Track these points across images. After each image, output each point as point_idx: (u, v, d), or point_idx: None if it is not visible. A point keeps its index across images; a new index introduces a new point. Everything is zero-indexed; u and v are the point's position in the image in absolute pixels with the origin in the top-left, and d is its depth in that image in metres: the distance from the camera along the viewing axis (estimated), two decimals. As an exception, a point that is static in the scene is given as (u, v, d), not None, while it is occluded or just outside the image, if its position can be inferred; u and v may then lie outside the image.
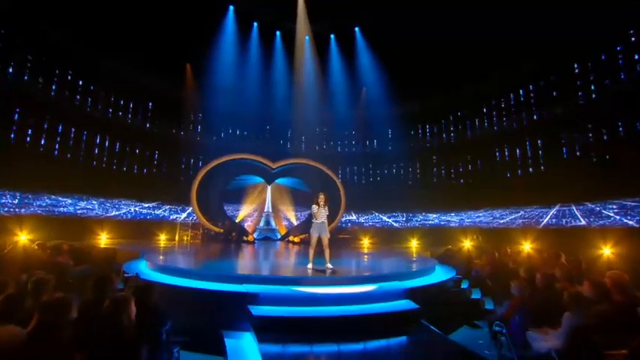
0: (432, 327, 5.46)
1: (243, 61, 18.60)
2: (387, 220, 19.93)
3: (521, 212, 14.65)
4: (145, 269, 7.78)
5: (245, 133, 20.46)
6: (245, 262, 9.11)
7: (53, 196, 14.11)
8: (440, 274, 8.17)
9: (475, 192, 16.83)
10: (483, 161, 18.10)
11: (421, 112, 19.51)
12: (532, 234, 11.54)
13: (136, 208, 17.27)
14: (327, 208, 7.12)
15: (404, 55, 16.23)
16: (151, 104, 18.37)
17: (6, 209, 12.68)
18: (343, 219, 19.45)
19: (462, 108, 19.10)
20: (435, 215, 18.85)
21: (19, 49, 13.26)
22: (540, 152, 15.51)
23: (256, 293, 5.99)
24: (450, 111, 19.44)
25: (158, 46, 15.03)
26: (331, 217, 16.79)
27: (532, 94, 16.19)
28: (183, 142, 19.11)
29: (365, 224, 19.96)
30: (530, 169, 15.69)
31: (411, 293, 6.41)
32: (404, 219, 19.68)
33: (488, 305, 6.92)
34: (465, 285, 7.47)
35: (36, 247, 8.73)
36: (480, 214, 16.82)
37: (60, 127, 14.86)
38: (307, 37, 18.77)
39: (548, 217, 13.05)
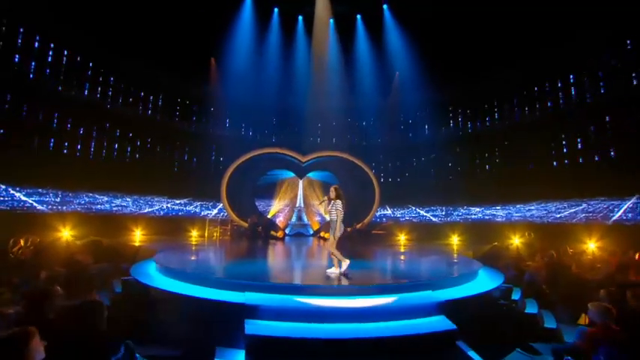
0: (473, 353, 4.08)
1: (265, 51, 17.84)
2: (424, 214, 18.65)
3: (584, 205, 12.38)
4: (152, 271, 7.00)
5: (272, 125, 20.03)
6: (257, 264, 8.11)
7: (91, 194, 14.43)
8: (484, 281, 6.63)
9: (525, 183, 14.65)
10: (536, 148, 15.74)
11: (462, 96, 17.45)
12: (598, 231, 9.52)
13: (168, 205, 17.26)
14: (338, 204, 5.94)
15: (439, 34, 14.45)
16: (179, 100, 17.98)
17: (50, 207, 13.04)
18: (378, 213, 18.55)
19: (509, 90, 16.75)
20: (478, 209, 17.03)
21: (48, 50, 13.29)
22: (609, 134, 12.93)
23: (256, 305, 4.92)
24: (495, 94, 17.19)
25: (179, 43, 14.52)
26: (365, 211, 17.05)
27: (600, 71, 13.55)
28: (212, 138, 18.82)
29: (401, 219, 19.02)
30: (597, 157, 13.12)
31: (446, 307, 5.05)
32: (443, 213, 18.24)
33: (549, 322, 5.35)
34: (516, 296, 5.86)
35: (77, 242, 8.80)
36: (532, 208, 14.66)
37: (94, 130, 15.11)
38: (331, 20, 17.36)
39: (622, 210, 10.77)
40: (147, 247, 10.62)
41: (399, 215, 19.16)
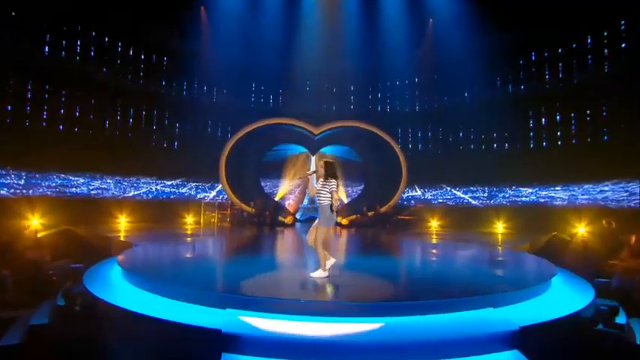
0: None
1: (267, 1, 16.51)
2: (462, 195, 17.38)
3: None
4: (114, 275, 5.95)
5: (278, 91, 18.92)
6: (253, 263, 6.97)
7: (63, 175, 13.65)
8: (563, 292, 5.21)
9: (596, 156, 12.88)
10: (609, 111, 13.73)
11: (514, 47, 15.55)
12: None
13: (158, 187, 16.57)
14: (332, 184, 5.02)
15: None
16: (165, 60, 16.99)
17: (12, 190, 12.32)
18: (405, 195, 17.70)
19: (576, 38, 14.60)
20: (530, 189, 15.51)
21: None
22: None
23: (236, 335, 3.70)
24: (557, 43, 15.07)
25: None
26: (389, 192, 16.57)
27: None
28: (207, 106, 17.77)
29: (433, 201, 17.93)
30: None
31: (520, 337, 3.70)
32: (485, 195, 16.86)
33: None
34: (622, 319, 4.42)
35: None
36: (606, 188, 12.96)
37: (63, 97, 14.06)
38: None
39: None
40: (129, 237, 10.10)
41: (430, 197, 18.19)
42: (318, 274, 5.22)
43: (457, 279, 5.82)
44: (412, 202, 18.20)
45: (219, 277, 6.15)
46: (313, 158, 17.94)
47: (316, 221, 5.17)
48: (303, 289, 5.10)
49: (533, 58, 16.11)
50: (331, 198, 4.96)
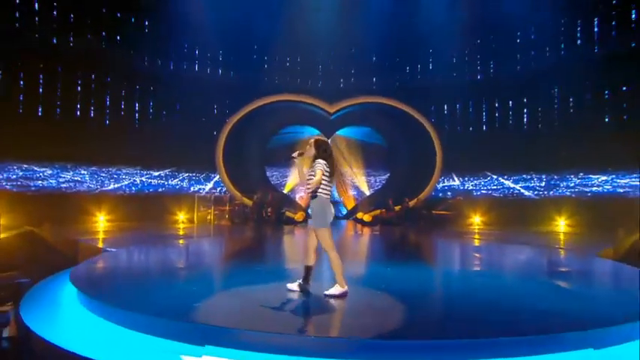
0: None
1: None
2: (511, 185, 16.67)
3: None
4: (68, 295, 5.19)
5: (282, 61, 18.29)
6: (249, 277, 6.10)
7: (25, 165, 13.30)
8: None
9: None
10: None
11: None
12: None
13: (143, 178, 16.34)
14: (321, 165, 4.59)
15: None
16: (146, 24, 16.37)
17: None
18: (440, 185, 17.50)
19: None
20: (604, 177, 14.47)
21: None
22: None
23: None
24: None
25: None
26: (421, 181, 16.75)
27: None
28: (198, 80, 17.05)
29: (475, 193, 17.38)
30: None
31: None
32: (542, 184, 15.98)
33: None
34: None
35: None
36: None
37: (20, 70, 13.45)
38: None
39: None
40: (105, 241, 9.84)
41: (471, 187, 17.65)
42: (335, 290, 4.59)
43: (526, 302, 4.72)
44: (449, 194, 17.80)
45: (206, 297, 5.26)
46: (329, 142, 17.53)
47: (310, 223, 4.70)
48: (315, 316, 4.27)
49: (612, 12, 14.83)
50: (318, 185, 4.50)
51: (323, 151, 4.66)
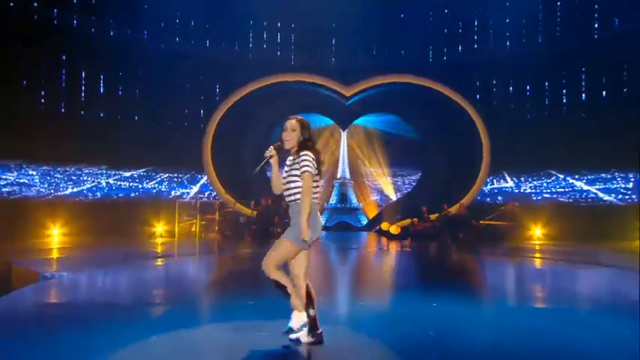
0: None
1: None
2: (584, 187, 16.03)
3: None
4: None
5: (289, 37, 18.21)
6: (236, 321, 5.39)
7: None
8: None
9: None
10: None
11: None
12: None
13: (110, 180, 16.07)
14: (308, 158, 3.98)
15: None
16: None
17: None
18: (487, 187, 17.23)
19: None
20: None
21: None
22: None
23: None
24: None
25: None
26: (462, 183, 16.82)
27: None
28: (181, 57, 16.62)
29: (535, 197, 16.90)
30: None
31: None
32: (629, 186, 15.11)
33: None
34: None
35: None
36: None
37: None
38: None
39: None
40: (50, 262, 9.24)
41: (529, 190, 17.15)
42: (301, 334, 4.07)
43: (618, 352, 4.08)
44: (500, 198, 17.41)
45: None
46: (344, 134, 18.52)
47: (285, 235, 4.12)
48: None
49: None
50: (306, 188, 3.97)
51: (309, 138, 4.06)
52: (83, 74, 15.76)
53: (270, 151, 4.00)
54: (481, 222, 15.31)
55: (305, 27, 17.98)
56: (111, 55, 15.90)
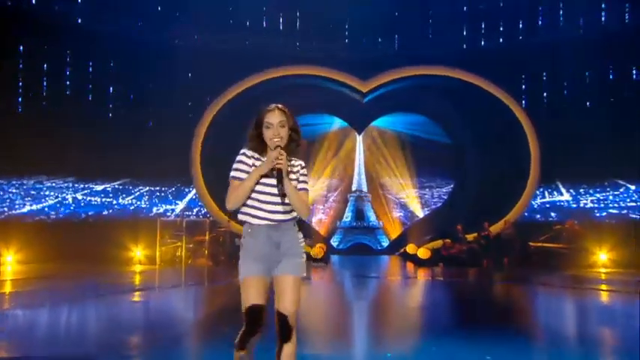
0: None
1: None
2: None
3: None
4: None
5: (295, 26, 18.38)
6: None
7: None
8: None
9: None
10: None
11: None
12: None
13: (78, 195, 16.20)
14: (296, 168, 3.48)
15: None
16: None
17: None
18: (536, 201, 17.13)
19: None
20: None
21: None
22: None
23: None
24: None
25: None
26: (507, 196, 16.71)
27: None
28: (164, 50, 16.57)
29: (597, 214, 16.71)
30: None
31: None
32: None
33: None
34: None
35: None
36: None
37: None
38: None
39: None
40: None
41: (590, 204, 16.97)
42: None
43: None
44: (553, 215, 17.23)
45: None
46: (359, 139, 18.50)
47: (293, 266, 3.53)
48: None
49: None
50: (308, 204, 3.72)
51: (296, 128, 3.59)
52: (45, 66, 15.58)
53: (282, 154, 3.24)
54: (531, 244, 14.98)
55: (311, 9, 17.61)
56: (79, 45, 15.78)
